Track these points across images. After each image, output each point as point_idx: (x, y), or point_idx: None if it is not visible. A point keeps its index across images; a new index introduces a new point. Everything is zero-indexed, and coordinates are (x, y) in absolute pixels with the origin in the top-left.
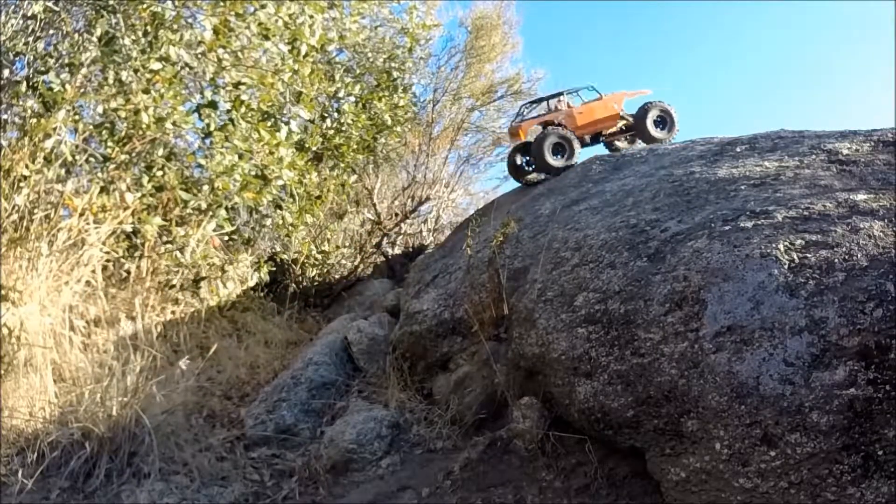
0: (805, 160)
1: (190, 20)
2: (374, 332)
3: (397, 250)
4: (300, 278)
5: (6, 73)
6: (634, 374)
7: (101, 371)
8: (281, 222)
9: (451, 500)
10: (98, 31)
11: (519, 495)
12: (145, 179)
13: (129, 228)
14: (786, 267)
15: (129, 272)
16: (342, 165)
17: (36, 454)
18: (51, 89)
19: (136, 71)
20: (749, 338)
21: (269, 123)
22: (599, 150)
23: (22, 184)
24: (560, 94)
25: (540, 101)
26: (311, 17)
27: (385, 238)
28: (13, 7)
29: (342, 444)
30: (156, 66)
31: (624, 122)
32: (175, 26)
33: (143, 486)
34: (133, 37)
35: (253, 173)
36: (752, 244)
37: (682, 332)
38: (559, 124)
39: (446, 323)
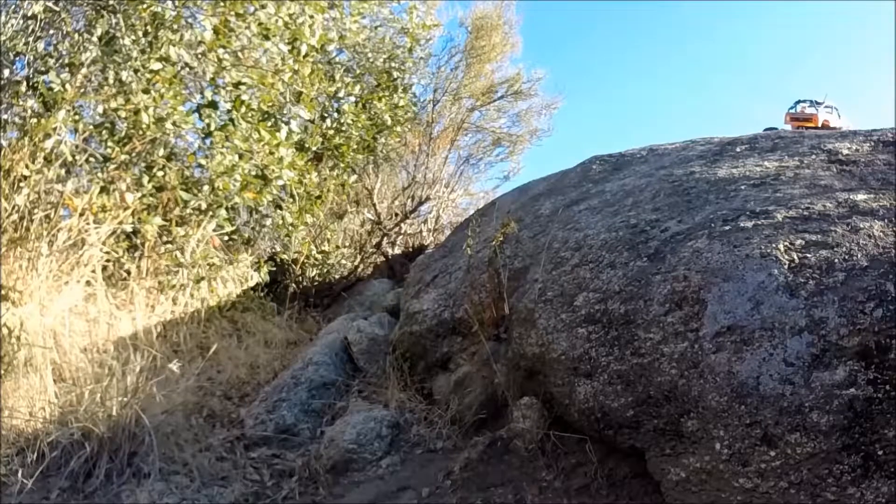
0: (805, 160)
1: (190, 20)
2: (374, 332)
3: (397, 250)
4: (300, 278)
5: (6, 73)
6: (634, 374)
7: (101, 371)
8: (281, 222)
9: (451, 500)
10: (98, 31)
11: (519, 495)
12: (145, 179)
13: (129, 228)
14: (786, 267)
15: (129, 272)
16: (342, 165)
17: (36, 454)
18: (51, 89)
19: (136, 71)
20: (749, 338)
21: (269, 123)
22: (599, 149)
23: (22, 184)
24: (831, 107)
25: (817, 103)
26: (312, 17)
27: (385, 238)
28: (13, 7)
29: (342, 444)
30: (156, 66)
31: None
32: (175, 26)
33: (143, 486)
34: (133, 37)
35: (253, 173)
36: (752, 244)
37: (682, 332)
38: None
39: (446, 323)
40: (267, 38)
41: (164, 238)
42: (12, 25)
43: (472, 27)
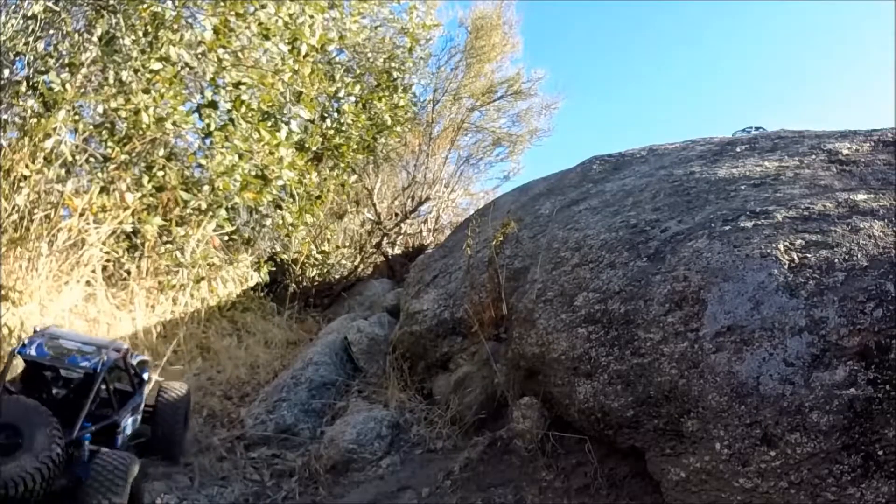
0: (805, 160)
1: (190, 20)
2: (374, 332)
3: (397, 250)
4: (300, 278)
5: (6, 73)
6: (634, 374)
7: None
8: (281, 222)
9: (451, 500)
10: (98, 31)
11: (519, 495)
12: (145, 179)
13: (129, 228)
14: (786, 267)
15: (129, 272)
16: (342, 165)
17: None
18: (51, 89)
19: (136, 71)
20: (749, 338)
21: (269, 123)
22: (599, 149)
23: (22, 184)
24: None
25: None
26: (312, 17)
27: (385, 238)
28: (13, 7)
29: (342, 444)
30: (156, 66)
31: None
32: (175, 26)
33: (142, 485)
34: (133, 37)
35: (253, 173)
36: (752, 244)
37: (682, 332)
38: None
39: (446, 323)
40: (267, 38)
41: (164, 238)
42: (12, 25)
43: (471, 27)
